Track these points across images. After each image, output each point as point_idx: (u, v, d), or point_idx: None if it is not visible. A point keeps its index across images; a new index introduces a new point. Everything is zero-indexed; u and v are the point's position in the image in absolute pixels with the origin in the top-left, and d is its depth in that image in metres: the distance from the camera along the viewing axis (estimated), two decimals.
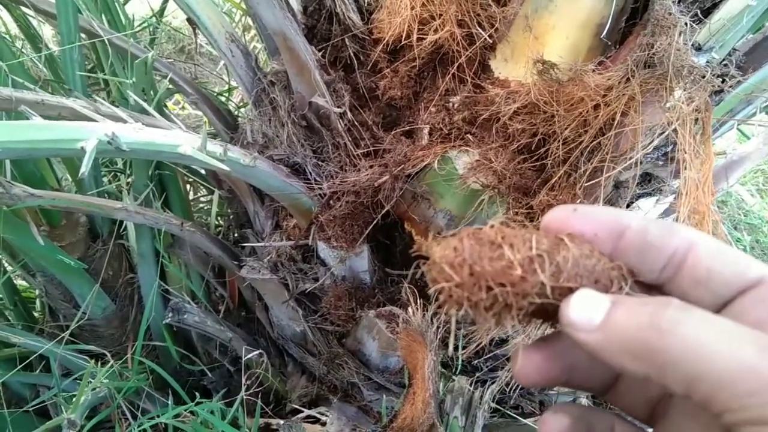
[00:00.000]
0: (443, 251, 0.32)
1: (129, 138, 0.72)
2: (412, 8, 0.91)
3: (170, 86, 1.24)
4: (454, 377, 1.10)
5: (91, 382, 1.07)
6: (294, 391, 1.27)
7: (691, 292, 0.33)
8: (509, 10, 0.90)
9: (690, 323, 0.29)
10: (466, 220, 0.99)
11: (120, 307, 1.37)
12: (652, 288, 0.35)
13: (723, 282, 0.32)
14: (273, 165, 0.99)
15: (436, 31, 0.92)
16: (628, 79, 0.80)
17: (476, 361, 1.16)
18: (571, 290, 0.32)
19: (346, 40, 0.98)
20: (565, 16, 0.85)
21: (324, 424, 1.16)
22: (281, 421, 1.15)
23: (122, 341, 1.39)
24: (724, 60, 0.84)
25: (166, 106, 1.53)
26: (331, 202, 1.02)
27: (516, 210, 0.92)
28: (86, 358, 1.20)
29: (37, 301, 1.52)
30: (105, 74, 1.30)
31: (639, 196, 1.00)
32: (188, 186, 1.61)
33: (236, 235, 1.47)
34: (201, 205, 1.81)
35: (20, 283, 1.53)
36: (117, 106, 0.94)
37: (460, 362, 1.11)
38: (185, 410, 1.08)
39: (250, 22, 1.69)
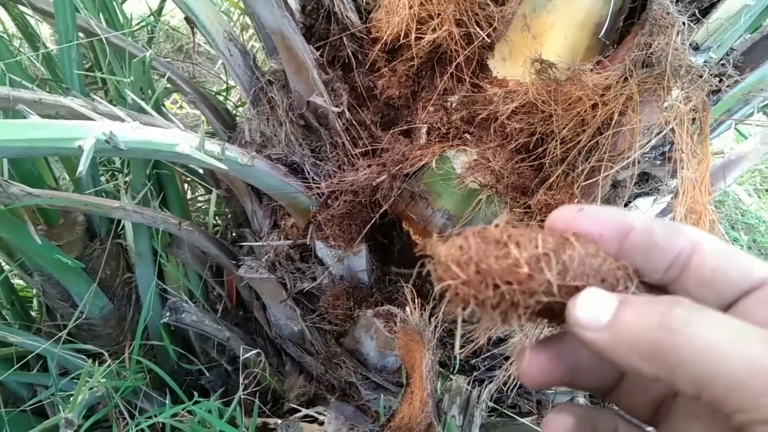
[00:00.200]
0: (448, 250, 0.32)
1: (127, 137, 0.72)
2: (411, 7, 0.91)
3: (168, 85, 1.24)
4: (451, 376, 1.10)
5: (88, 381, 1.07)
6: (292, 390, 1.27)
7: (695, 293, 0.33)
8: (507, 10, 0.90)
9: (701, 323, 0.29)
10: (464, 219, 0.99)
11: (117, 307, 1.37)
12: (656, 289, 0.35)
13: (728, 283, 0.32)
14: (271, 164, 0.99)
15: (434, 30, 0.92)
16: (626, 78, 0.80)
17: (474, 361, 1.16)
18: (577, 289, 0.32)
19: (345, 39, 0.98)
20: (564, 15, 0.85)
21: (322, 423, 1.16)
22: (279, 421, 1.15)
23: (120, 340, 1.39)
24: (721, 60, 0.84)
25: (164, 105, 1.53)
26: (329, 201, 1.02)
27: (514, 209, 0.92)
28: (84, 357, 1.20)
29: (35, 301, 1.52)
30: (103, 73, 1.30)
31: (636, 196, 1.00)
32: (186, 185, 1.61)
33: (234, 234, 1.47)
34: (199, 204, 1.81)
35: (18, 282, 1.53)
36: (115, 105, 0.94)
37: (457, 361, 1.11)
38: (183, 409, 1.08)
39: (248, 21, 1.68)
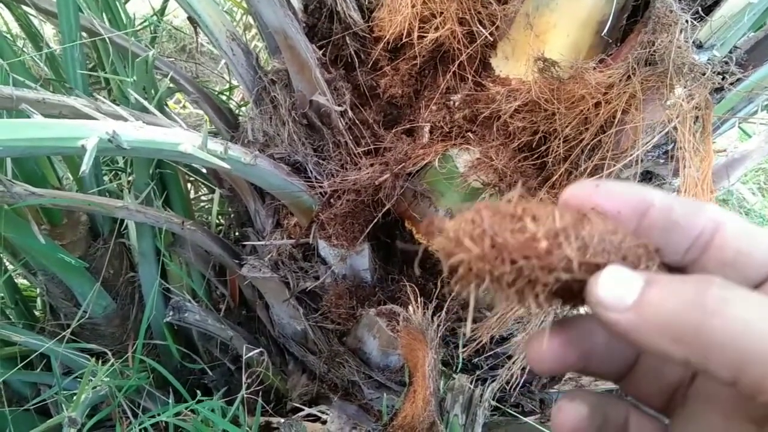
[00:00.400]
0: (459, 224, 0.30)
1: (130, 136, 0.72)
2: (413, 6, 0.91)
3: (171, 85, 1.24)
4: (454, 375, 1.10)
5: (91, 380, 1.07)
6: (294, 389, 1.27)
7: (716, 274, 0.30)
8: (510, 8, 0.90)
9: (738, 302, 0.27)
10: None
11: (121, 306, 1.38)
12: (675, 270, 0.33)
13: (752, 264, 0.31)
14: (274, 163, 0.99)
15: (436, 29, 0.92)
16: (629, 76, 0.80)
17: (477, 360, 1.16)
18: (598, 267, 0.30)
19: (347, 38, 0.98)
20: (566, 14, 0.85)
21: (324, 422, 1.16)
22: (282, 420, 1.15)
23: (123, 340, 1.39)
24: (725, 57, 0.84)
25: (167, 104, 1.53)
26: (331, 200, 1.02)
27: None
28: (87, 356, 1.20)
29: (38, 300, 1.52)
30: (106, 73, 1.30)
31: None
32: (189, 185, 1.61)
33: (237, 233, 1.47)
34: (202, 203, 1.81)
35: (21, 281, 1.53)
36: (118, 105, 0.94)
37: (460, 360, 1.11)
38: (186, 408, 1.08)
39: (251, 21, 1.69)
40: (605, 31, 0.84)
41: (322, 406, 1.21)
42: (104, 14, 1.28)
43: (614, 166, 0.84)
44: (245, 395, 1.12)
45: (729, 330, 0.26)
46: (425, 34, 0.93)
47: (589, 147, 0.86)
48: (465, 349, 1.07)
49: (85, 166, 0.64)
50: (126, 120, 0.79)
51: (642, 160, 0.85)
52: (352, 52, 0.99)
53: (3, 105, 0.87)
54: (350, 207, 1.01)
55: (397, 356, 1.14)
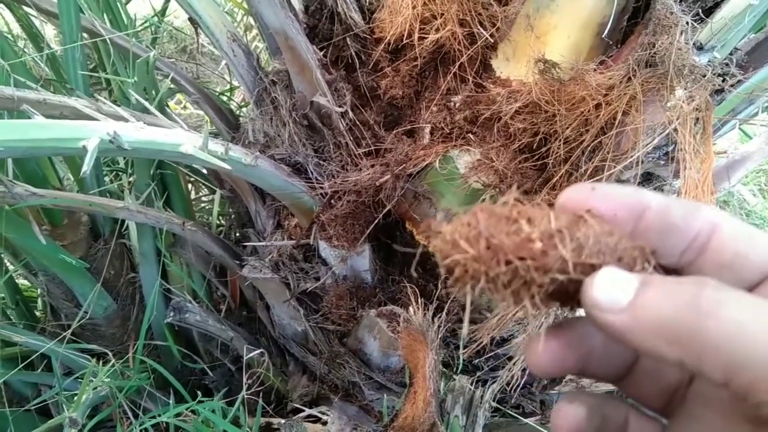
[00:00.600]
0: (455, 227, 0.30)
1: (131, 137, 0.72)
2: (414, 7, 0.91)
3: (172, 86, 1.24)
4: (455, 376, 1.10)
5: (92, 381, 1.07)
6: (295, 390, 1.27)
7: (713, 276, 0.30)
8: (511, 10, 0.90)
9: (732, 305, 0.27)
10: None
11: (121, 307, 1.38)
12: (671, 272, 0.33)
13: (749, 266, 0.31)
14: (274, 164, 0.99)
15: (437, 30, 0.92)
16: (629, 78, 0.80)
17: (477, 361, 1.16)
18: (593, 268, 0.30)
19: (348, 39, 0.98)
20: (567, 15, 0.85)
21: (325, 423, 1.16)
22: (282, 421, 1.15)
23: (124, 340, 1.39)
24: (725, 59, 0.84)
25: (167, 105, 1.53)
26: (332, 201, 1.02)
27: None
28: (88, 357, 1.20)
29: (39, 301, 1.52)
30: (107, 73, 1.30)
31: None
32: (190, 185, 1.61)
33: (238, 234, 1.47)
34: (202, 204, 1.81)
35: (22, 282, 1.53)
36: (119, 106, 0.94)
37: (461, 361, 1.11)
38: (187, 409, 1.08)
39: (252, 22, 1.69)
40: (606, 32, 0.84)
41: (323, 407, 1.21)
42: (105, 15, 1.28)
43: (615, 167, 0.84)
44: (246, 396, 1.12)
45: (722, 332, 0.26)
46: (426, 36, 0.93)
47: (589, 148, 0.86)
48: (465, 350, 1.07)
49: (87, 166, 0.64)
50: (127, 121, 0.79)
51: (642, 162, 0.85)
52: (353, 53, 0.99)
53: (4, 106, 0.88)
54: (351, 208, 1.01)
55: (397, 357, 1.14)
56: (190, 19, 1.20)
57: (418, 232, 1.05)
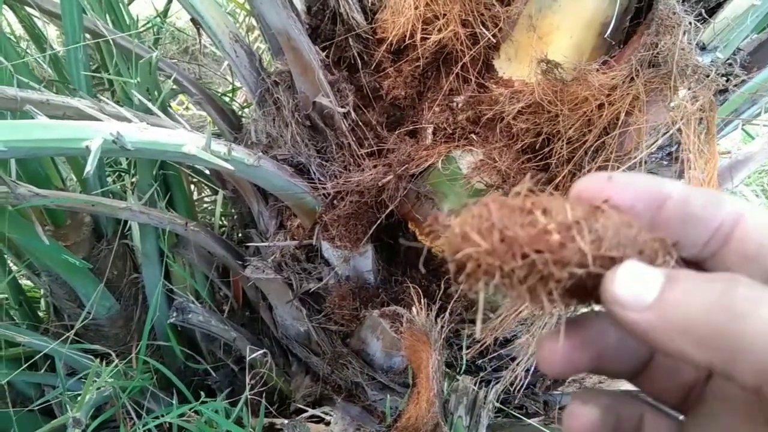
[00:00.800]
0: (466, 218, 0.28)
1: (133, 137, 0.72)
2: (416, 8, 0.91)
3: (174, 86, 1.24)
4: (458, 377, 1.10)
5: (95, 381, 1.07)
6: (298, 390, 1.27)
7: (737, 269, 0.29)
8: (513, 10, 0.90)
9: (767, 305, 0.25)
10: None
11: (124, 307, 1.38)
12: (691, 264, 0.31)
13: None
14: (277, 165, 1.00)
15: (439, 30, 0.92)
16: (632, 78, 0.80)
17: (480, 361, 1.16)
18: (613, 261, 0.28)
19: (350, 39, 0.98)
20: (569, 15, 0.85)
21: (328, 423, 1.16)
22: (285, 421, 1.15)
23: (127, 341, 1.40)
24: (728, 59, 0.84)
25: (170, 106, 1.53)
26: (335, 201, 1.02)
27: None
28: (91, 357, 1.21)
29: (42, 301, 1.52)
30: (109, 74, 1.30)
31: None
32: (192, 186, 1.61)
33: (240, 234, 1.47)
34: (205, 205, 1.82)
35: (25, 282, 1.53)
36: (121, 106, 0.94)
37: (464, 362, 1.11)
38: (190, 409, 1.09)
39: (254, 23, 1.69)
40: (608, 32, 0.84)
41: (326, 407, 1.21)
42: (107, 16, 1.29)
43: (618, 168, 0.84)
44: (249, 396, 1.12)
45: (758, 335, 0.24)
46: (428, 36, 0.93)
47: (592, 149, 0.86)
48: (469, 350, 1.07)
49: (90, 167, 0.64)
50: (130, 121, 0.79)
51: (646, 162, 0.85)
52: (355, 54, 0.99)
53: (7, 106, 0.88)
54: (353, 208, 1.01)
55: (400, 358, 1.14)
56: (193, 20, 1.20)
57: (420, 233, 1.05)
